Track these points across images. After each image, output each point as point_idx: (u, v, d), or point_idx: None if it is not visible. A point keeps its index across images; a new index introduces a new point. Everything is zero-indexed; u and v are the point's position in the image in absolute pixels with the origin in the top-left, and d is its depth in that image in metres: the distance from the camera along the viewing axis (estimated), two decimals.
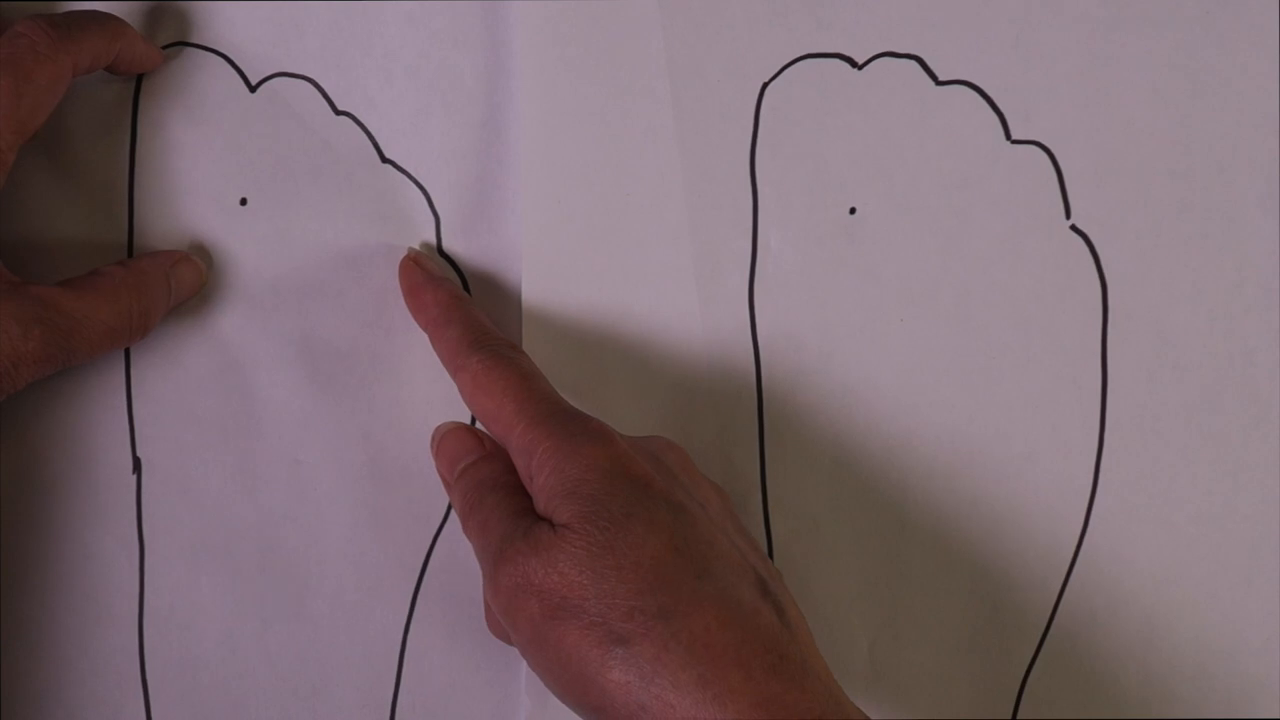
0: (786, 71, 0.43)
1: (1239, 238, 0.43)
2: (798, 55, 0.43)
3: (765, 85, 0.43)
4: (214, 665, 0.41)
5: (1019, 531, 0.43)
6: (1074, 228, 0.43)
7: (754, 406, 0.43)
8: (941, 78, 0.43)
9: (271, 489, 0.42)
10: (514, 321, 0.42)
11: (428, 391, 0.42)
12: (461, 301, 0.40)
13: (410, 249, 0.42)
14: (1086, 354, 0.43)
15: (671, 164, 0.42)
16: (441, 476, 0.41)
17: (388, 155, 0.42)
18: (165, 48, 0.41)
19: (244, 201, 0.42)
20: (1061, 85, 0.43)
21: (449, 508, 0.42)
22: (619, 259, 0.42)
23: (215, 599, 0.41)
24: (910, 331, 0.43)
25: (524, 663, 0.41)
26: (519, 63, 0.42)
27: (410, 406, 0.42)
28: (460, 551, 0.41)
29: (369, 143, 0.42)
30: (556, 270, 0.42)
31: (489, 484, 0.38)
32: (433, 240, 0.42)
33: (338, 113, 0.42)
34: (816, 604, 0.43)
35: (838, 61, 0.43)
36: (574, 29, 0.42)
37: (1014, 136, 0.43)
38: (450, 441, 0.40)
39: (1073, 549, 0.43)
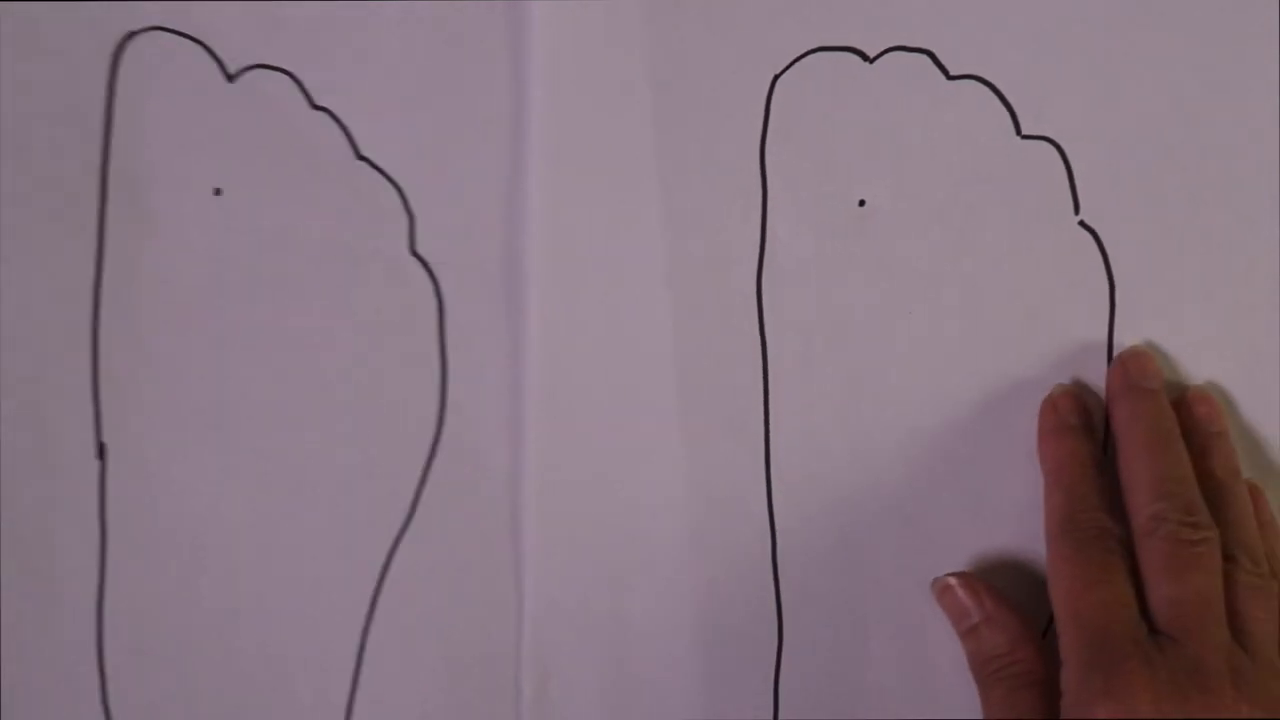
0: (798, 64, 0.43)
1: (1248, 236, 0.43)
2: (809, 48, 0.43)
3: (776, 77, 0.43)
4: (172, 657, 0.42)
5: (1024, 528, 0.43)
6: (1083, 223, 0.43)
7: (760, 397, 0.43)
8: (953, 72, 0.43)
9: (237, 482, 0.42)
10: (494, 320, 0.42)
11: (395, 391, 0.42)
12: (1072, 464, 0.40)
13: (1056, 387, 0.42)
14: (1093, 350, 0.43)
15: (681, 154, 0.42)
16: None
17: (363, 152, 0.42)
18: (144, 32, 0.42)
19: (218, 191, 0.42)
20: (1073, 81, 0.43)
21: (411, 510, 0.42)
22: (627, 248, 0.43)
23: (176, 591, 0.42)
24: (918, 324, 0.43)
25: (491, 666, 0.42)
26: (535, 60, 0.42)
27: (377, 405, 0.42)
28: (420, 555, 0.42)
29: (344, 139, 0.42)
30: (565, 259, 0.42)
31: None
32: (404, 239, 0.42)
33: (314, 107, 0.42)
34: (820, 598, 0.43)
35: (849, 55, 0.43)
36: (588, 22, 0.42)
37: (1024, 132, 0.43)
38: (948, 598, 0.41)
39: None
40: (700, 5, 0.42)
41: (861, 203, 0.43)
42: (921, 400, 0.43)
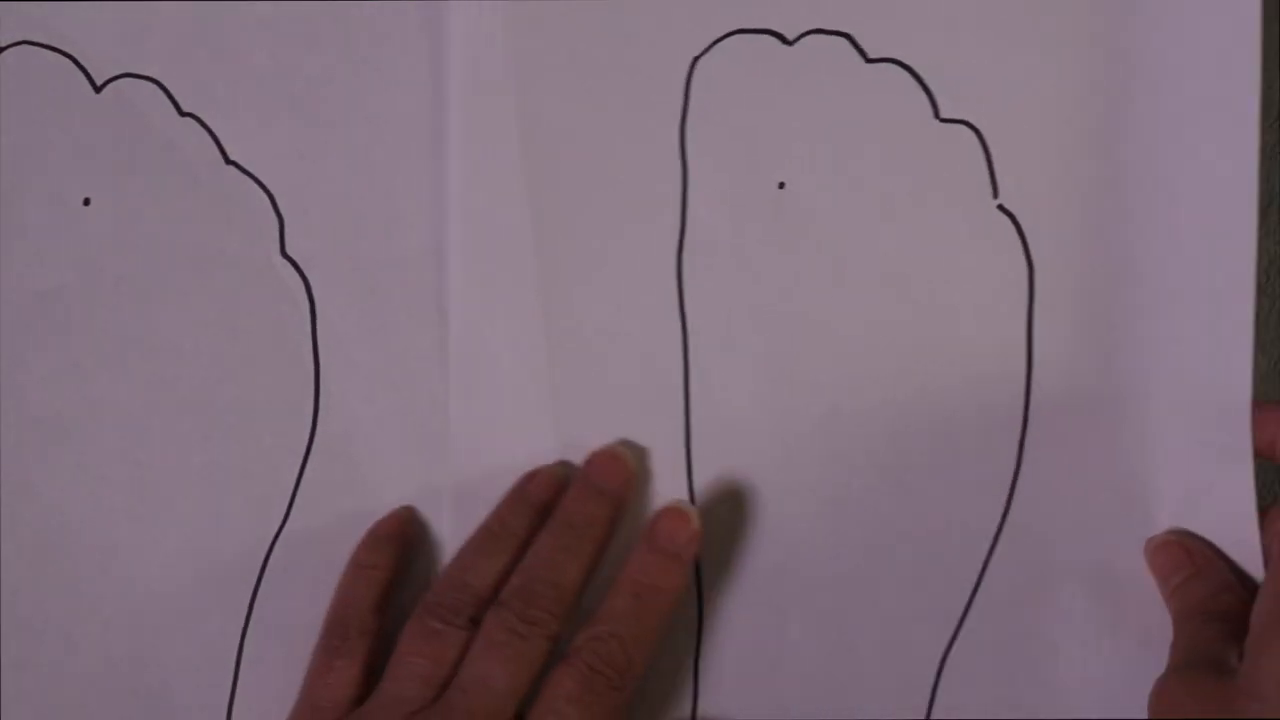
0: (718, 46, 0.43)
1: (1163, 215, 0.43)
2: (729, 30, 0.43)
3: (696, 59, 0.43)
4: (53, 666, 0.42)
5: (943, 510, 0.43)
6: (1001, 207, 0.43)
7: (680, 378, 0.43)
8: (871, 55, 0.43)
9: (111, 489, 0.42)
10: (366, 319, 0.42)
11: (269, 392, 0.42)
12: None
13: None
14: (1013, 334, 0.43)
15: (600, 136, 0.42)
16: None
17: (231, 157, 0.43)
18: (11, 47, 0.42)
19: (87, 202, 0.42)
20: (990, 65, 0.43)
21: (287, 512, 0.42)
22: (546, 229, 0.42)
23: (55, 599, 0.42)
24: (837, 306, 0.43)
25: None
26: (453, 31, 0.42)
27: (250, 410, 0.42)
28: (297, 556, 0.41)
29: (213, 144, 0.42)
30: (484, 238, 0.42)
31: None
32: (275, 241, 0.42)
33: (182, 114, 0.42)
34: (740, 581, 0.42)
35: (768, 37, 0.43)
36: (504, 6, 0.42)
37: (943, 115, 0.43)
38: (1162, 556, 0.41)
39: (995, 528, 0.43)
40: None
41: (781, 185, 0.43)
42: (841, 381, 0.43)
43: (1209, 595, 0.40)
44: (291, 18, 0.42)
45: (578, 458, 0.42)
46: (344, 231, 0.43)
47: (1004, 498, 0.43)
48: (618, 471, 0.41)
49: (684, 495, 0.43)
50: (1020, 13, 0.43)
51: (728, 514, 0.42)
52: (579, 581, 0.39)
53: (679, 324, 0.43)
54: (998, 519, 0.43)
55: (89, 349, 0.42)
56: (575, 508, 0.40)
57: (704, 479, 0.43)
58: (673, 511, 0.41)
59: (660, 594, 0.39)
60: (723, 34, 0.43)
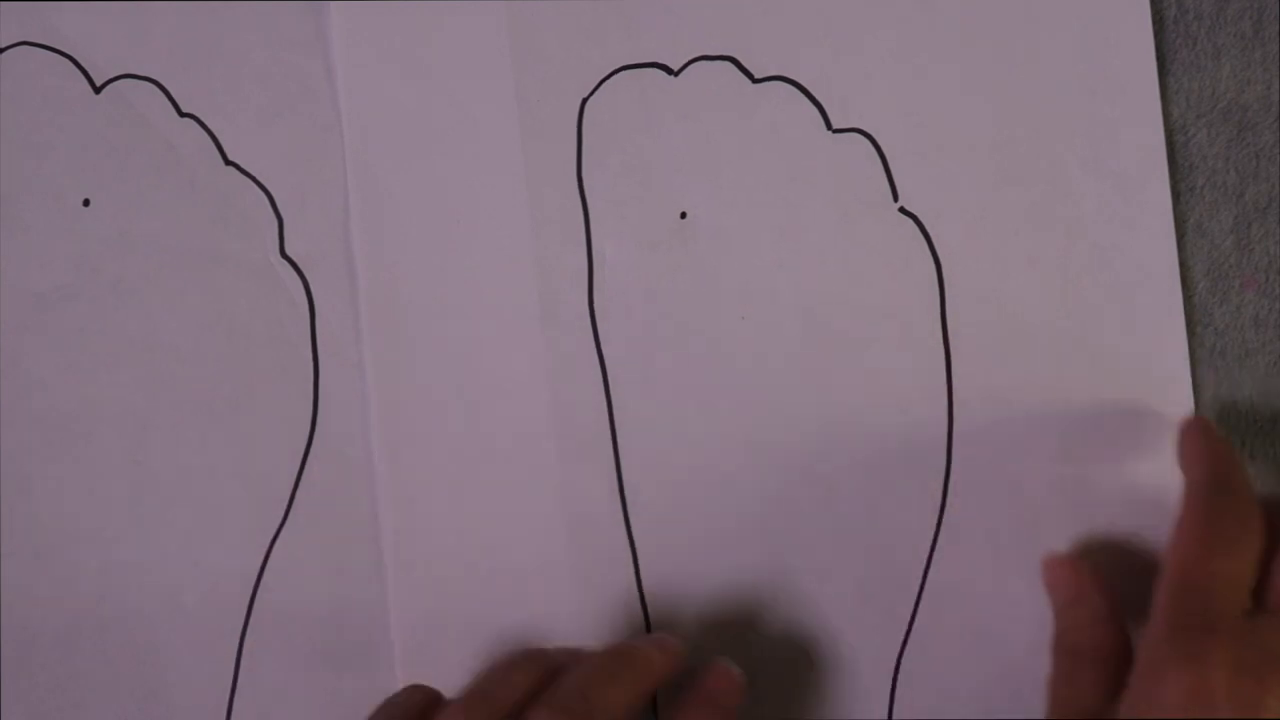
0: (604, 85, 0.43)
1: (1064, 201, 0.43)
2: (614, 68, 0.43)
3: (584, 100, 0.43)
4: (52, 665, 0.42)
5: (879, 515, 0.43)
6: (903, 210, 0.43)
7: (605, 417, 0.43)
8: (758, 75, 0.43)
9: (110, 489, 0.42)
10: (365, 319, 0.43)
11: (269, 392, 0.43)
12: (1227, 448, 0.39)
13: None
14: (928, 333, 0.43)
15: (500, 185, 0.43)
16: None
17: (231, 158, 0.43)
18: (11, 48, 0.43)
19: (86, 203, 0.43)
20: (875, 70, 0.43)
21: (286, 511, 0.43)
22: (458, 280, 0.43)
23: (53, 599, 0.42)
24: (753, 327, 0.43)
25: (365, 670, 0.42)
26: (340, 66, 0.43)
27: (250, 409, 0.43)
28: (297, 556, 0.42)
29: (213, 145, 0.43)
30: (396, 297, 0.43)
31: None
32: (275, 242, 0.43)
33: (182, 115, 0.43)
34: (686, 614, 0.43)
35: (654, 70, 0.43)
36: (408, 43, 0.43)
37: (835, 126, 0.43)
38: (1048, 575, 0.41)
39: (933, 528, 0.43)
40: (504, 37, 0.43)
41: (683, 215, 0.43)
42: (763, 401, 0.43)
43: (1083, 626, 0.39)
44: (289, 18, 0.43)
45: (516, 509, 0.43)
46: (341, 232, 0.43)
47: (939, 495, 0.43)
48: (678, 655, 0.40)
49: (621, 533, 0.43)
50: (898, 15, 0.43)
51: (666, 549, 0.43)
52: (620, 708, 0.37)
53: (598, 365, 0.43)
54: (935, 518, 0.43)
55: (89, 349, 0.42)
56: (637, 645, 0.39)
57: (640, 517, 0.43)
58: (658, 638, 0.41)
59: (635, 656, 0.39)
60: (608, 72, 0.43)
